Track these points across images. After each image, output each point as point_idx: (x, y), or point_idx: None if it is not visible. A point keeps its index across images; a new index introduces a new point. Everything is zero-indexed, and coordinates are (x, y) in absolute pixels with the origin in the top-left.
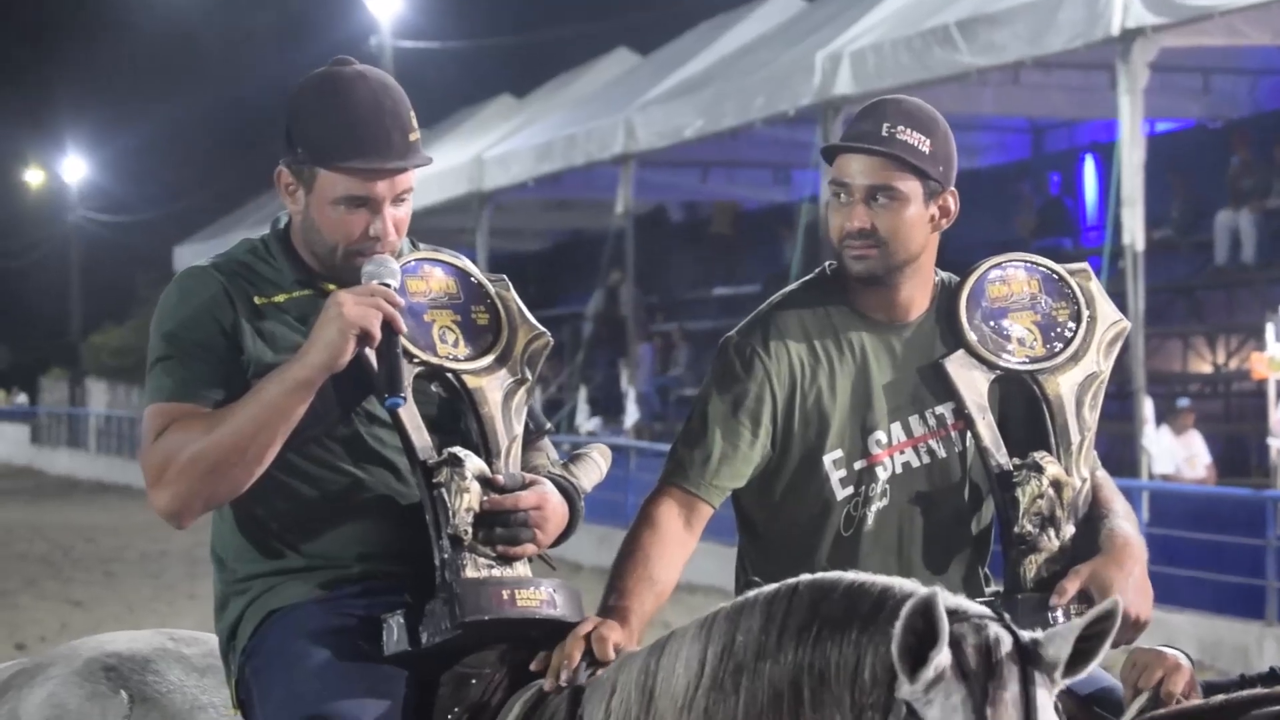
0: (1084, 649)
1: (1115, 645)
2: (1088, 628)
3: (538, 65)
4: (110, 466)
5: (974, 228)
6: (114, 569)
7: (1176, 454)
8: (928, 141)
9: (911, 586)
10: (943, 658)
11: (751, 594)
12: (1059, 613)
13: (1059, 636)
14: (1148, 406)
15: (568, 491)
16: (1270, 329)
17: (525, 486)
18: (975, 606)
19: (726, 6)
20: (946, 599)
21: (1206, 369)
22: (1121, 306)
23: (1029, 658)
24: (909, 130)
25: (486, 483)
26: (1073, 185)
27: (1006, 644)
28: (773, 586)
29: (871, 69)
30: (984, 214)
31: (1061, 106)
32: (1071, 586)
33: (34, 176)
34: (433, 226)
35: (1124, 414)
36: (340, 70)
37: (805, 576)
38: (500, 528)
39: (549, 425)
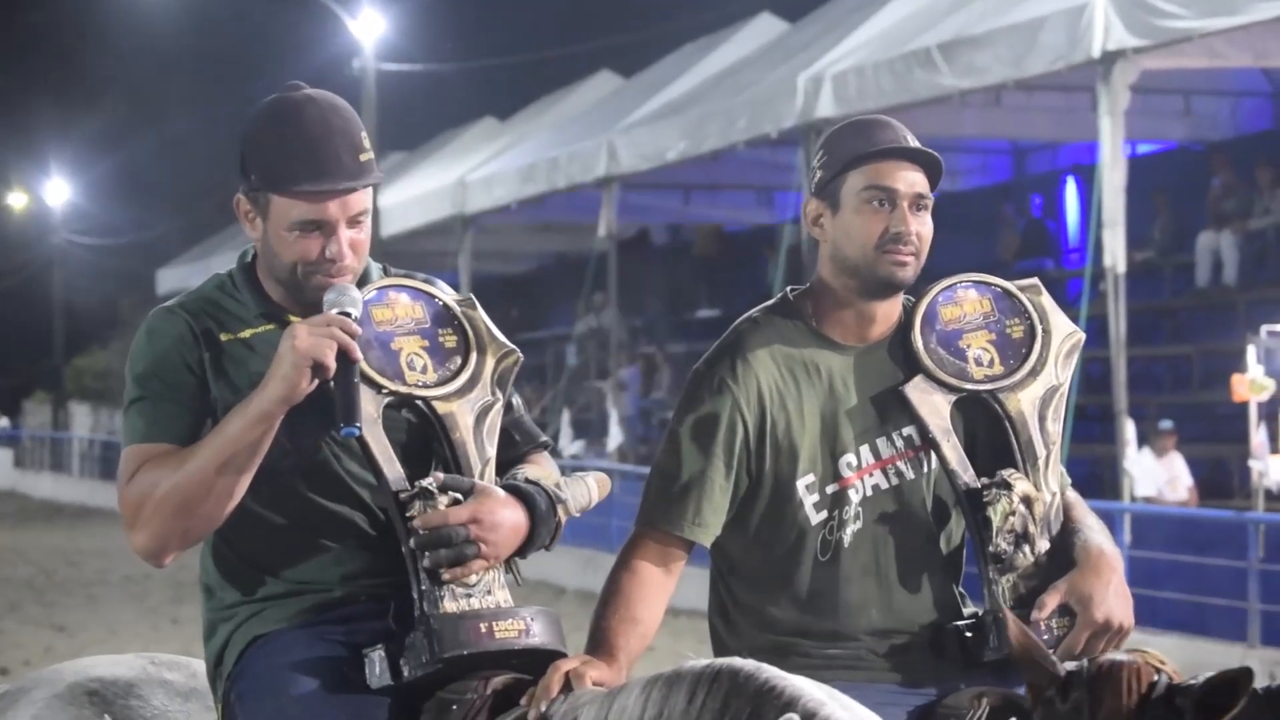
0: None
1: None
2: None
3: (521, 88)
4: (94, 490)
5: (956, 250)
6: (97, 593)
7: (1158, 476)
8: None
9: (815, 704)
10: None
11: (685, 666)
12: (1040, 627)
13: None
14: (1129, 429)
15: (525, 495)
16: (1251, 350)
17: (470, 491)
18: None
19: (709, 29)
20: None
21: (1188, 391)
22: (1103, 328)
23: None
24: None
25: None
26: (1054, 207)
27: None
28: (701, 663)
29: (853, 92)
30: (966, 236)
31: (1043, 128)
32: (1051, 601)
33: (17, 199)
34: (415, 249)
35: (1105, 436)
36: (288, 95)
37: (725, 663)
38: (444, 549)
39: (544, 438)
